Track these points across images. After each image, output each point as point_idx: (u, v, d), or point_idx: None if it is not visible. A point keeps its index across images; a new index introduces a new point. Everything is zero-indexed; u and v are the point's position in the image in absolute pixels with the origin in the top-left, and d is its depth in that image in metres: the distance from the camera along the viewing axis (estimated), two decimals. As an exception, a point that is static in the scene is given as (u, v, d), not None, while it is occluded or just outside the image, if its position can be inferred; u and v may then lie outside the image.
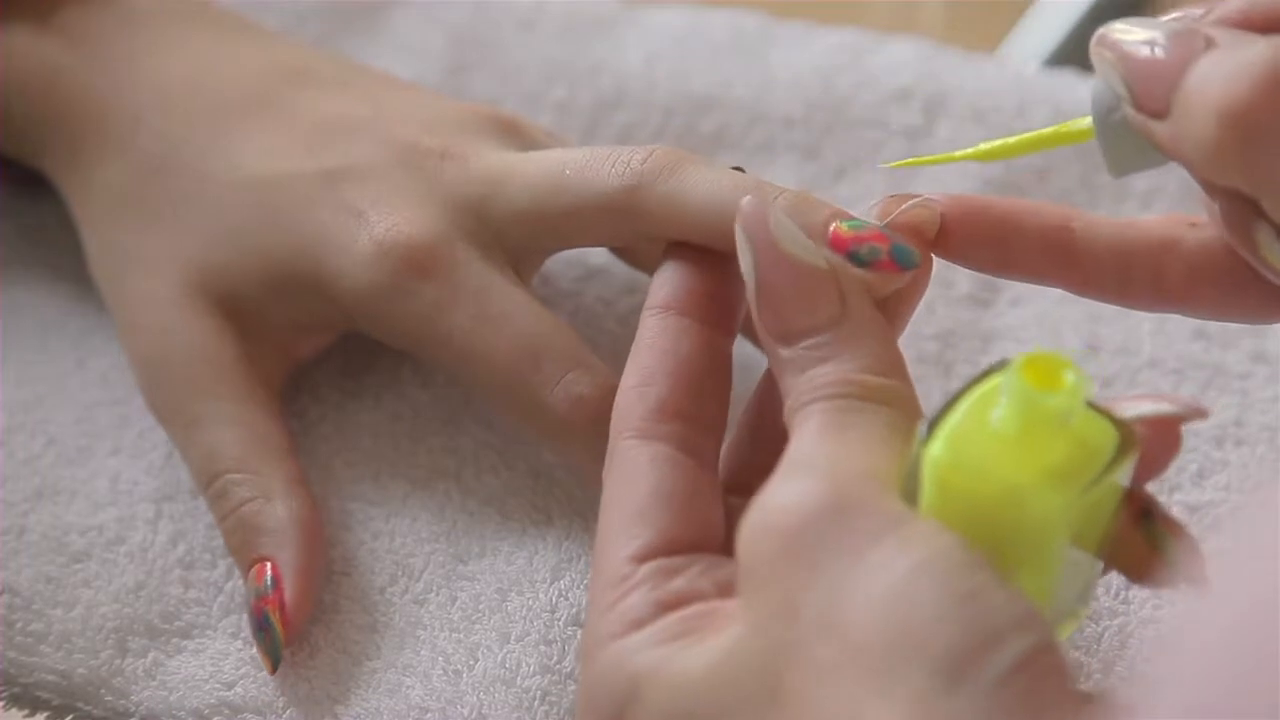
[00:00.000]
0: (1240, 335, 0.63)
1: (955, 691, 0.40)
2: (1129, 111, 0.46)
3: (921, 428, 0.45)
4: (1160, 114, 0.45)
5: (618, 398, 0.50)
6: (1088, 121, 0.48)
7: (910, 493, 0.44)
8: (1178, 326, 0.63)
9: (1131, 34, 0.46)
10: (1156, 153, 0.47)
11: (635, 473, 0.48)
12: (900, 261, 0.50)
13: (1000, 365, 0.45)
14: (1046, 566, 0.44)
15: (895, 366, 0.48)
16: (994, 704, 0.40)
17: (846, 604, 0.42)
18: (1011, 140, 0.50)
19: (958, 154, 0.51)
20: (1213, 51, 0.44)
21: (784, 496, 0.44)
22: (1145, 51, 0.46)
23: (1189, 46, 0.45)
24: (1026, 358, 0.44)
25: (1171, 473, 0.60)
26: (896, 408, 0.47)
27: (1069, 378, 0.44)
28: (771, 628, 0.43)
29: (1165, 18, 0.48)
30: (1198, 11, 0.48)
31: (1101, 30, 0.47)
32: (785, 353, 0.48)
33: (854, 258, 0.50)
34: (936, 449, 0.44)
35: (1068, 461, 0.44)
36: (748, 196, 0.50)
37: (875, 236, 0.50)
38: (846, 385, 0.47)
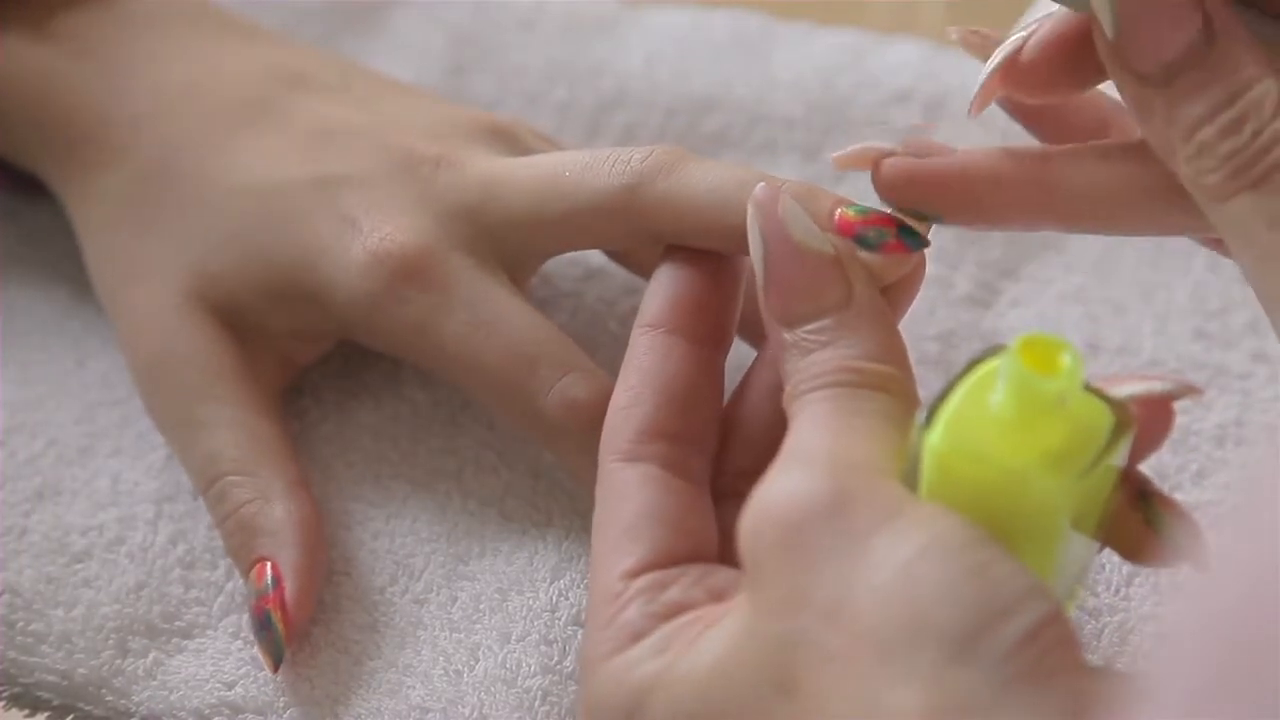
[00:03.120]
0: (1241, 335, 0.63)
1: (967, 664, 0.41)
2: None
3: (920, 414, 0.45)
4: None
5: (606, 419, 0.51)
6: None
7: (910, 479, 0.45)
8: (1178, 327, 0.63)
9: None
10: None
11: (624, 494, 0.49)
12: (908, 243, 0.50)
13: (995, 350, 0.45)
14: (1048, 549, 0.45)
15: (896, 353, 0.48)
16: (1006, 674, 0.40)
17: (853, 591, 0.42)
18: None
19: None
20: None
21: (784, 489, 0.44)
22: None
23: None
24: (1023, 341, 0.44)
25: (1172, 472, 0.60)
26: (895, 394, 0.47)
27: (1066, 360, 0.44)
28: (777, 620, 0.43)
29: None
30: None
31: None
32: (788, 336, 0.48)
33: (862, 241, 0.50)
34: (935, 435, 0.44)
35: (1066, 443, 0.44)
36: (760, 184, 0.50)
37: (882, 220, 0.50)
38: (846, 372, 0.47)
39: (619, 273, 0.63)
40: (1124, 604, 0.56)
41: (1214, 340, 0.63)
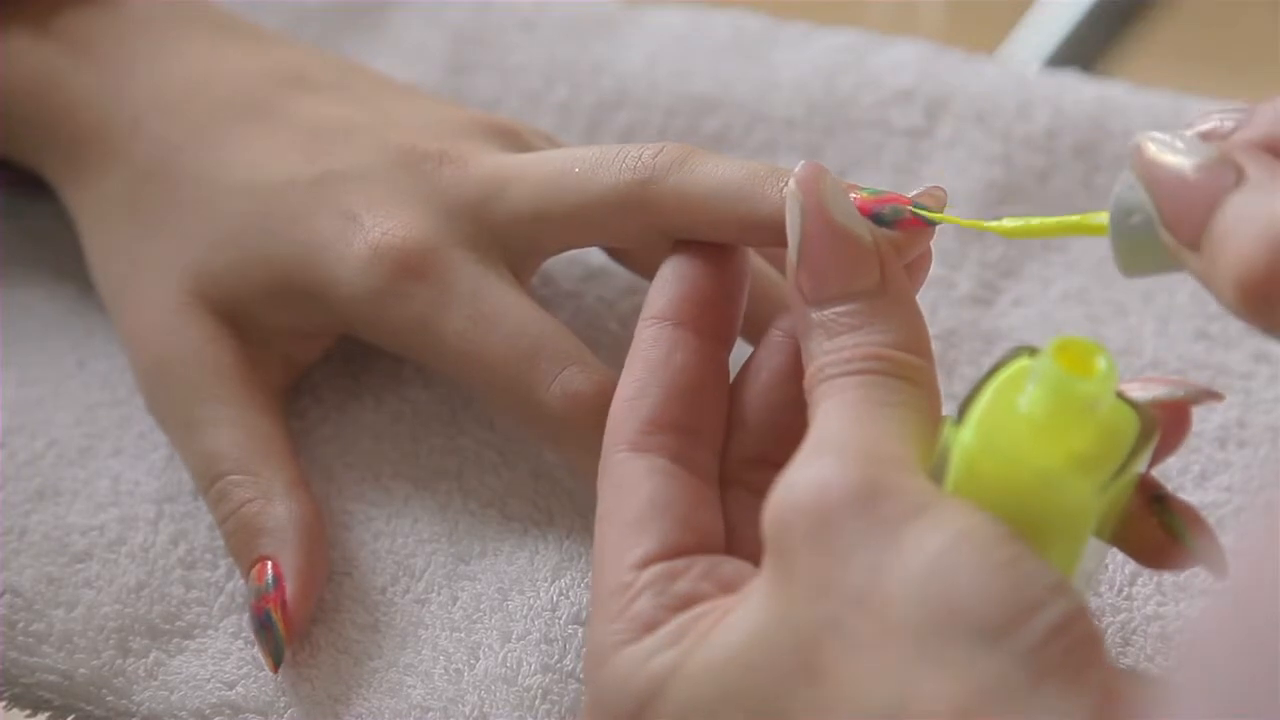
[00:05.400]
0: (1243, 336, 0.63)
1: (999, 654, 0.41)
2: (1164, 235, 0.45)
3: (951, 412, 0.45)
4: (1192, 246, 0.45)
5: (611, 409, 0.50)
6: (1106, 217, 0.48)
7: (937, 474, 0.45)
8: (1180, 327, 0.63)
9: (1165, 155, 0.45)
10: (1170, 262, 0.46)
11: (630, 484, 0.49)
12: (924, 218, 0.50)
13: (1021, 350, 0.46)
14: (1072, 552, 0.45)
15: (924, 346, 0.48)
16: (1035, 664, 0.41)
17: (883, 581, 0.42)
18: (1033, 222, 0.50)
19: (990, 224, 0.51)
20: (1242, 190, 0.44)
21: (814, 478, 0.44)
22: (1176, 177, 0.45)
23: (1220, 179, 0.44)
24: (1058, 343, 0.44)
25: (1174, 473, 0.60)
26: (923, 387, 0.47)
27: (1101, 364, 0.44)
28: (805, 607, 0.43)
29: (1198, 129, 0.47)
30: (1229, 123, 0.47)
31: (1139, 140, 0.46)
32: (816, 315, 0.48)
33: (877, 219, 0.50)
34: (967, 435, 0.44)
35: (1095, 447, 0.44)
36: (802, 163, 0.50)
37: (895, 198, 0.50)
38: (877, 360, 0.47)
39: (619, 273, 0.63)
40: (1126, 604, 0.56)
41: (1215, 341, 0.63)
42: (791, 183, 0.50)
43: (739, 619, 0.44)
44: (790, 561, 0.44)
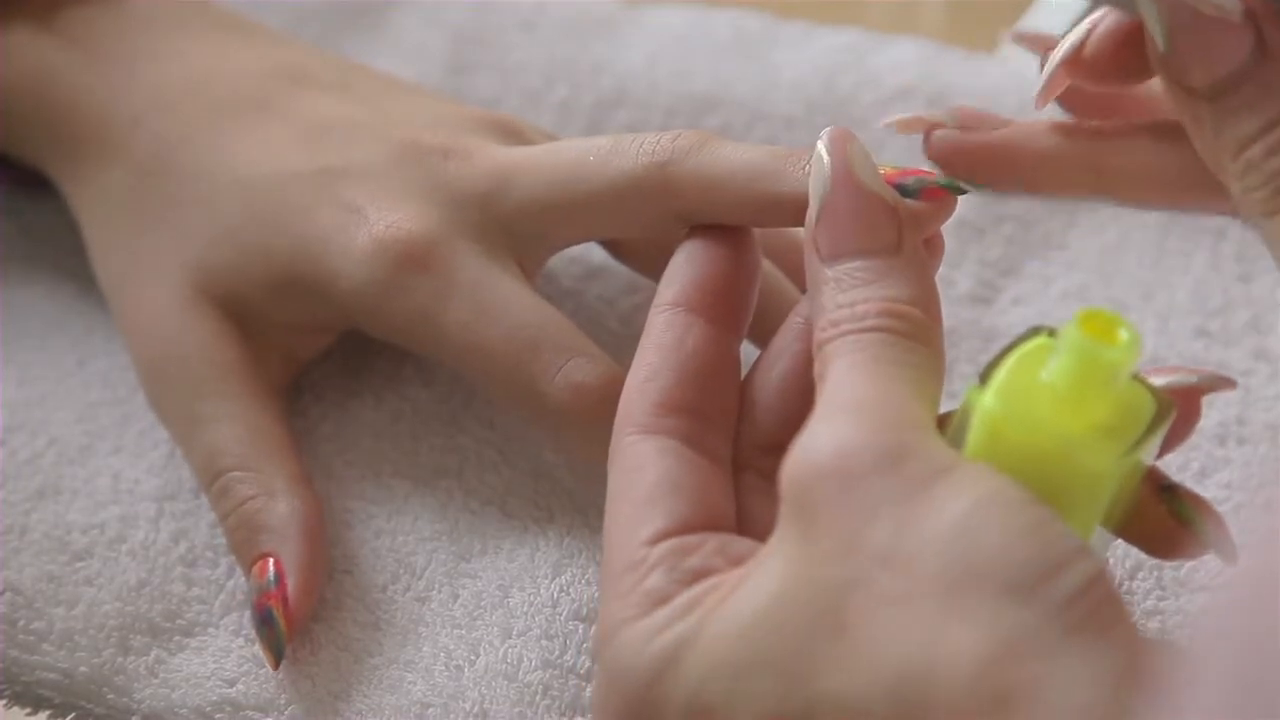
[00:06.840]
0: (1242, 334, 0.63)
1: (1026, 607, 0.41)
2: None
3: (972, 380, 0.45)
4: None
5: (623, 395, 0.50)
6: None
7: (956, 438, 0.45)
8: (1180, 325, 0.63)
9: None
10: None
11: (641, 465, 0.48)
12: (948, 188, 0.50)
13: (1040, 330, 0.46)
14: (1088, 521, 0.45)
15: (935, 308, 0.48)
16: (1064, 618, 0.41)
17: (910, 539, 0.42)
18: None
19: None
20: None
21: (834, 440, 0.44)
22: None
23: None
24: (1083, 313, 0.44)
25: (1174, 470, 0.60)
26: (933, 348, 0.47)
27: (1124, 335, 0.44)
28: (828, 565, 0.43)
29: None
30: None
31: None
32: (830, 271, 0.48)
33: (902, 189, 0.50)
34: (990, 399, 0.45)
35: (1115, 419, 0.45)
36: (831, 126, 0.50)
37: (919, 171, 0.51)
38: (890, 316, 0.47)
39: (620, 271, 0.63)
40: (1126, 599, 0.56)
41: (1215, 338, 0.63)
42: (820, 144, 0.50)
43: (759, 583, 0.44)
44: (811, 521, 0.44)
